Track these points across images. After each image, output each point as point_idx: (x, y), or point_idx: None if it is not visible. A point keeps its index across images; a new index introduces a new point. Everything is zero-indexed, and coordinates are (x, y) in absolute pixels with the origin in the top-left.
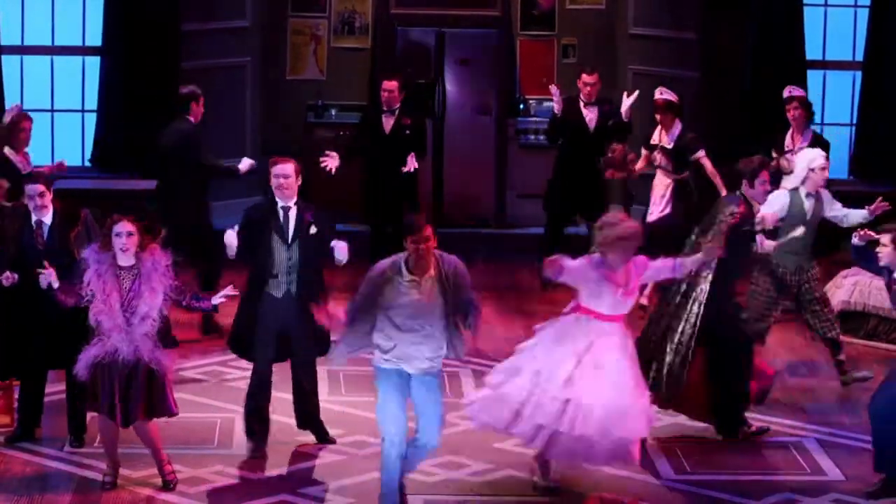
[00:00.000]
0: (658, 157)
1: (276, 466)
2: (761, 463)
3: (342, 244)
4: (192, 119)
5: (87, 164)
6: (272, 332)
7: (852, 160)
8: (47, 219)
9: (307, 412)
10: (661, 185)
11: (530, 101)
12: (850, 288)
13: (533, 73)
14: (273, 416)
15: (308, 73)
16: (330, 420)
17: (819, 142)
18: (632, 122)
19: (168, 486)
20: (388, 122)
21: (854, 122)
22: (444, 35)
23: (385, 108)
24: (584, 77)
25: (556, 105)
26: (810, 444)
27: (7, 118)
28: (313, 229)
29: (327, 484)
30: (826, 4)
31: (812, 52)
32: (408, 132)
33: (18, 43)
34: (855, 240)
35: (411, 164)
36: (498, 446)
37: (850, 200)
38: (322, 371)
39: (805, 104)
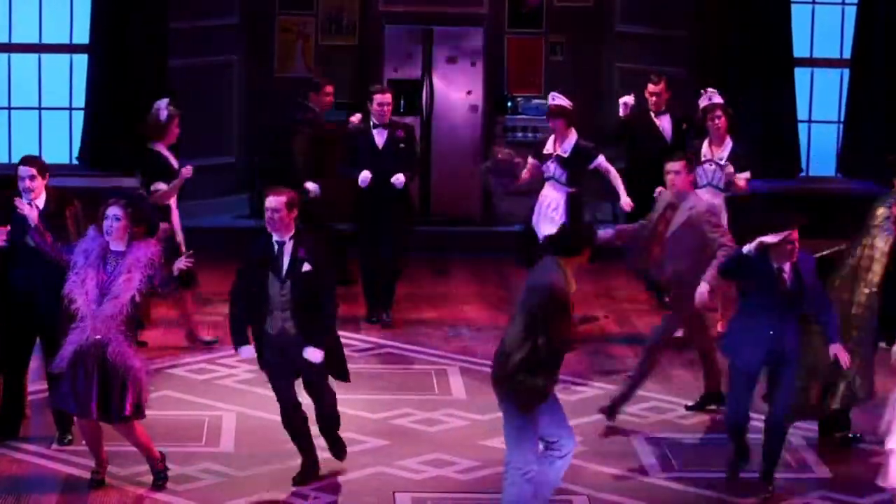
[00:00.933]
0: (552, 167)
1: (263, 464)
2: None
3: (316, 353)
4: (316, 109)
5: (75, 161)
6: (278, 366)
7: (839, 158)
8: (39, 202)
9: (329, 437)
10: (553, 199)
11: (518, 99)
12: None
13: (521, 70)
14: (262, 414)
15: (296, 71)
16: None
17: (739, 154)
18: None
19: (156, 483)
20: (380, 137)
21: (841, 119)
22: (431, 32)
23: (377, 122)
24: (650, 87)
25: (621, 108)
26: (797, 441)
27: (163, 115)
28: (307, 267)
29: (314, 481)
30: (814, 2)
31: (800, 49)
32: (402, 145)
33: (6, 41)
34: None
35: (399, 180)
36: (485, 443)
37: (837, 198)
38: None
39: (727, 112)
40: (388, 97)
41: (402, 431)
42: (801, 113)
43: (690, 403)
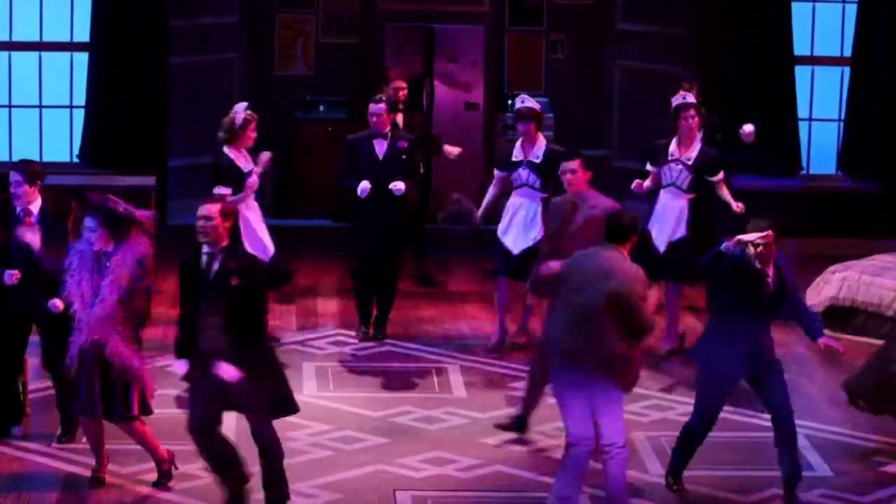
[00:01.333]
0: (525, 174)
1: None
2: (749, 458)
3: (227, 369)
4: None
5: (76, 159)
6: (197, 380)
7: (840, 156)
8: (33, 207)
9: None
10: (527, 207)
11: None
12: (838, 284)
13: (521, 68)
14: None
15: (296, 69)
16: (319, 416)
17: (710, 156)
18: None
19: (160, 482)
20: (380, 147)
21: (842, 117)
22: (432, 30)
23: (376, 132)
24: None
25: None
26: (799, 440)
27: (239, 118)
28: (235, 281)
29: (315, 479)
30: (814, 0)
31: (800, 47)
32: (404, 157)
33: (7, 39)
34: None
35: (397, 187)
36: (485, 441)
37: (837, 196)
38: (310, 367)
39: (700, 112)
40: (382, 107)
41: (402, 429)
42: (802, 111)
43: (501, 423)
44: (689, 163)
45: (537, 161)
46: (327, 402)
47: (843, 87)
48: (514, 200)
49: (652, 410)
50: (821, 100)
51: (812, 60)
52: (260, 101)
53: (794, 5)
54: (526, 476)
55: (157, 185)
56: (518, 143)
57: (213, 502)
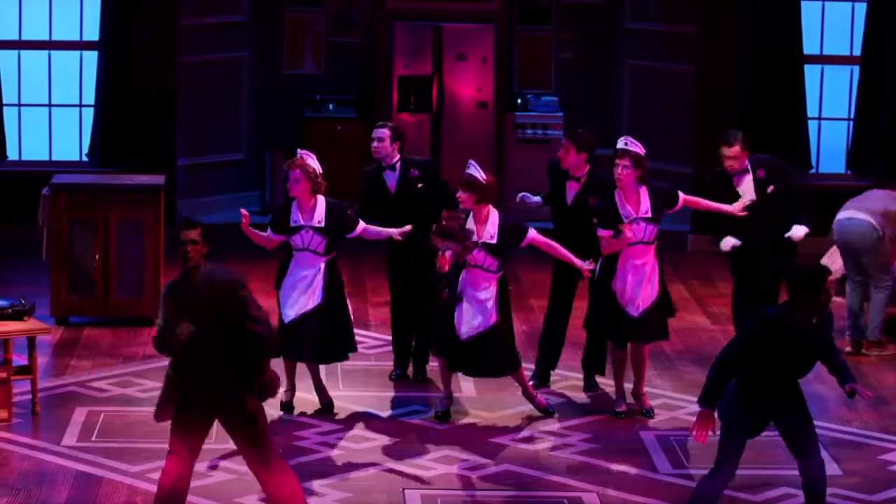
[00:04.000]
0: (479, 257)
1: None
2: (758, 457)
3: None
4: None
5: (85, 158)
6: None
7: (849, 155)
8: None
9: None
10: (482, 289)
11: (528, 96)
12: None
13: (531, 67)
14: (270, 411)
15: (305, 68)
16: (328, 415)
17: (661, 195)
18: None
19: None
20: (391, 179)
21: (851, 116)
22: (441, 29)
23: (384, 164)
24: (723, 149)
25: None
26: None
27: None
28: None
29: (324, 478)
30: None
31: (810, 46)
32: (420, 185)
33: (16, 37)
34: None
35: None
36: (495, 441)
37: (846, 195)
38: (323, 366)
39: (642, 163)
40: (382, 132)
41: (411, 429)
42: (811, 110)
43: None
44: (650, 216)
45: (493, 242)
46: (336, 402)
47: (853, 86)
48: (467, 279)
49: (662, 409)
50: (830, 99)
51: (821, 59)
52: (269, 99)
53: (803, 4)
54: (535, 475)
55: (166, 183)
56: (469, 219)
57: (223, 500)
